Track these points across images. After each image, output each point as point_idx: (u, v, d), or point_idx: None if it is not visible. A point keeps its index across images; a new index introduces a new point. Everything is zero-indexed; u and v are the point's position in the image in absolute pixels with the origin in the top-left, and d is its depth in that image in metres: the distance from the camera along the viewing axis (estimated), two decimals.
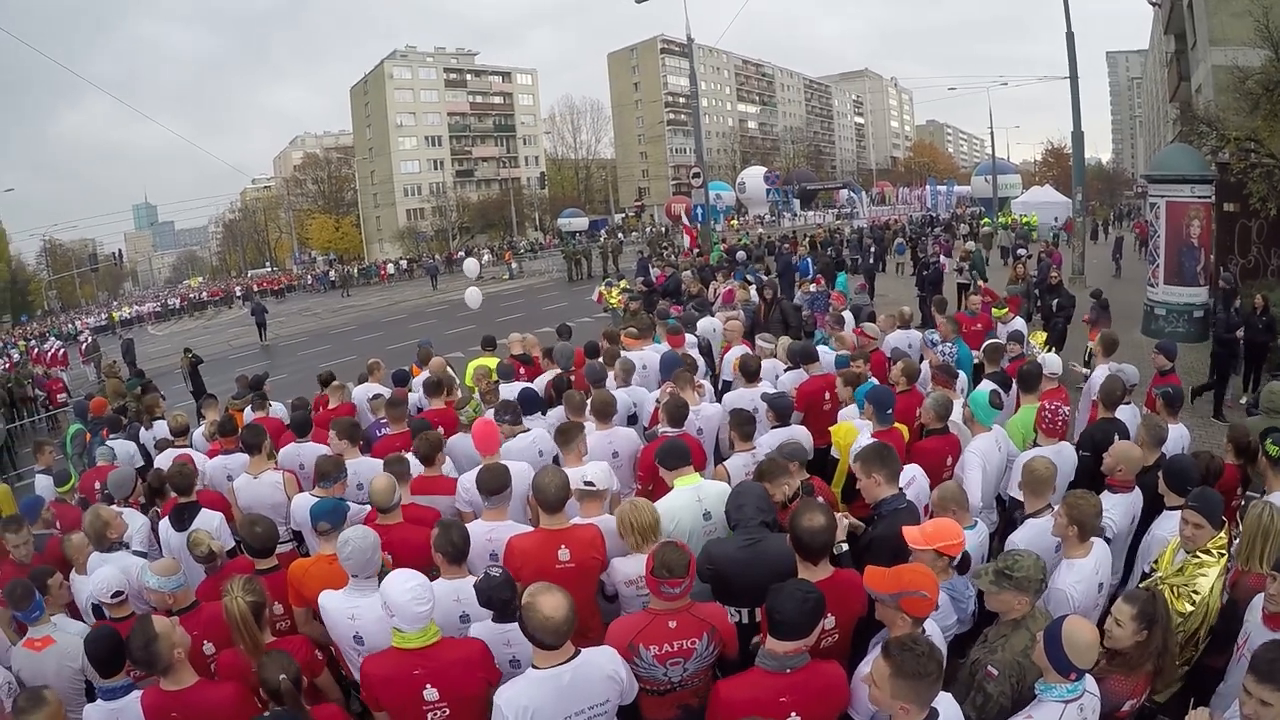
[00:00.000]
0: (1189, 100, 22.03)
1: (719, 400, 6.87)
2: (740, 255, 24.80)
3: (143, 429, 8.68)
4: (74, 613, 4.58)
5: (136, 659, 3.13)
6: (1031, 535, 3.99)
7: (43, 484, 6.91)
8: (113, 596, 3.92)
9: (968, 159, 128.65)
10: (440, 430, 5.86)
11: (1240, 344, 10.29)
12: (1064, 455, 4.90)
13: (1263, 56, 14.54)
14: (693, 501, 4.25)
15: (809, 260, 19.73)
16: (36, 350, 32.66)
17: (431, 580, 3.26)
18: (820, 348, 7.66)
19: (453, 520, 3.94)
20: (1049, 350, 8.55)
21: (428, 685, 3.10)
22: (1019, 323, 9.33)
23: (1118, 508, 4.22)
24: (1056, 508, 3.84)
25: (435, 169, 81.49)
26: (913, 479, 4.61)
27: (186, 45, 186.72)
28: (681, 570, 3.18)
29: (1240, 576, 3.64)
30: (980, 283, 15.55)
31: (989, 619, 3.47)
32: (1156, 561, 3.88)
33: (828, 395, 6.45)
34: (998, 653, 3.17)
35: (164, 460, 6.82)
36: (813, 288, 13.42)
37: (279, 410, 8.10)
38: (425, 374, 8.05)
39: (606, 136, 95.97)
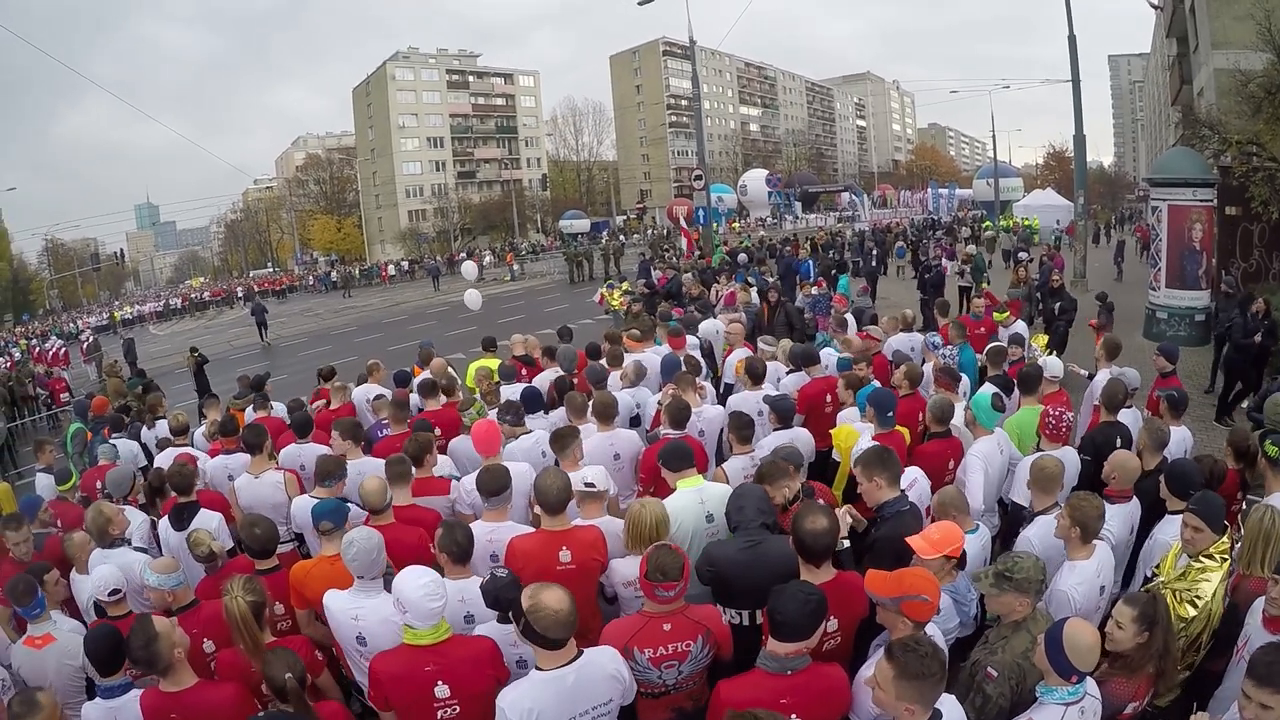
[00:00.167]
0: (1191, 104, 22.02)
1: (721, 402, 6.87)
2: (741, 258, 24.80)
3: (145, 428, 8.69)
4: (73, 611, 4.59)
5: (136, 658, 3.12)
6: (1043, 532, 3.99)
7: (43, 482, 6.91)
8: (110, 595, 3.92)
9: (969, 162, 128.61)
10: (435, 431, 5.87)
11: (1255, 349, 10.23)
12: (1068, 460, 4.90)
13: (1265, 60, 14.52)
14: (695, 503, 4.25)
15: (810, 262, 19.73)
16: (38, 349, 32.68)
17: None
18: (825, 350, 7.67)
19: (456, 520, 3.95)
20: (1050, 353, 8.55)
21: (439, 682, 3.11)
22: (1020, 326, 9.33)
23: (1116, 518, 4.21)
24: (1060, 509, 3.84)
25: (437, 170, 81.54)
26: (914, 481, 4.61)
27: (188, 45, 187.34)
28: (676, 573, 3.18)
29: (1242, 580, 3.63)
30: (982, 286, 15.54)
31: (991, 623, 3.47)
32: (1159, 566, 3.87)
33: (829, 398, 6.45)
34: (998, 654, 3.17)
35: (164, 459, 6.83)
36: (814, 290, 13.41)
37: (281, 410, 8.10)
38: (425, 374, 8.07)
39: (608, 138, 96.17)
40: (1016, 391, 6.10)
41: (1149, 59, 63.94)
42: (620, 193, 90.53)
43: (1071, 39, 20.54)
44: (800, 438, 5.59)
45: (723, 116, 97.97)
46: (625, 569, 3.84)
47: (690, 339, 8.72)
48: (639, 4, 26.28)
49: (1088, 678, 2.82)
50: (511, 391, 6.94)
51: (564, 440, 4.84)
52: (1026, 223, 35.83)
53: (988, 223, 38.19)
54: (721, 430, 5.91)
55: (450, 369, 8.43)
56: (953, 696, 2.78)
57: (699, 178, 29.88)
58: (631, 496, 5.10)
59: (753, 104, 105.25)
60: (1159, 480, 4.32)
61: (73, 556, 4.71)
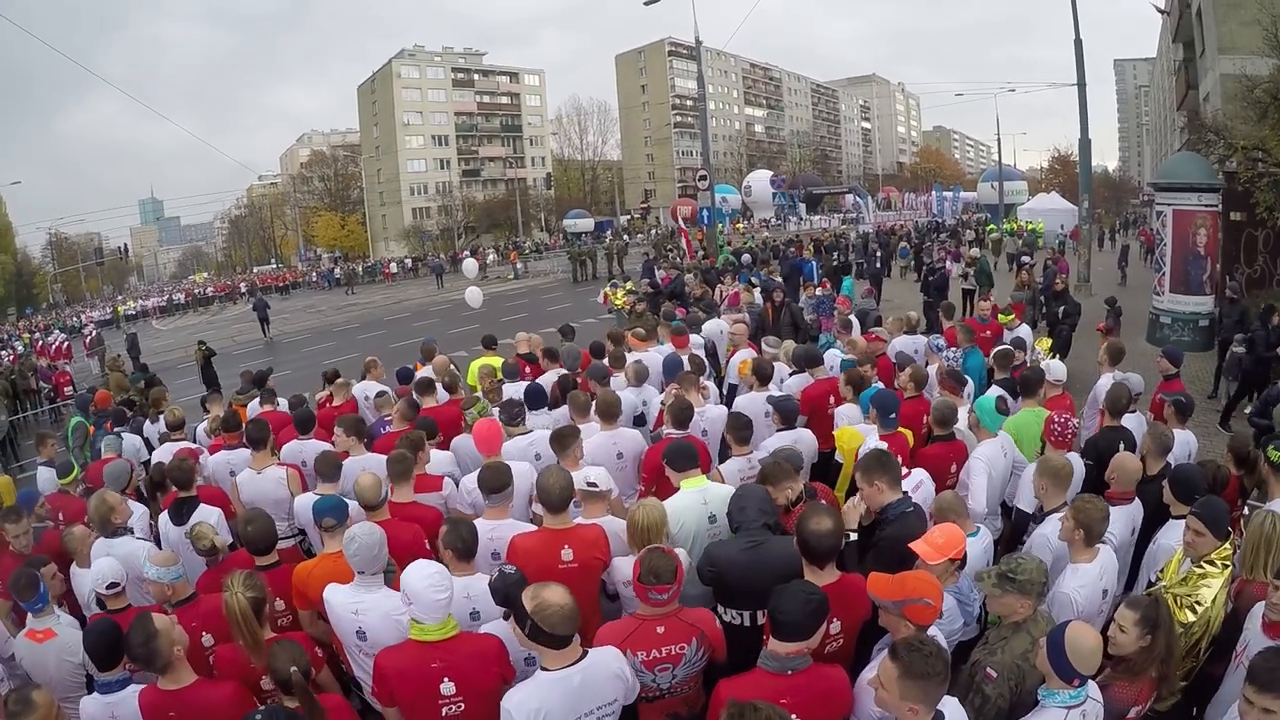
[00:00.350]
0: (1197, 108, 22.02)
1: (726, 403, 6.87)
2: (745, 258, 24.80)
3: (148, 422, 8.70)
4: (72, 606, 4.60)
5: (136, 655, 3.11)
6: (1056, 530, 3.97)
7: (45, 476, 6.92)
8: (109, 588, 3.92)
9: (974, 165, 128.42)
10: (422, 433, 5.87)
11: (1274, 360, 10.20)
12: (1074, 466, 4.89)
13: (1271, 65, 14.53)
14: (699, 504, 4.25)
15: (813, 263, 19.73)
16: (40, 343, 32.73)
17: None
18: (830, 351, 7.66)
19: (461, 517, 3.94)
20: (1053, 357, 8.54)
21: (445, 678, 3.10)
22: (1024, 329, 9.32)
23: (1117, 519, 4.19)
24: (1064, 511, 3.83)
25: (441, 168, 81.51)
26: (920, 483, 4.61)
27: (194, 42, 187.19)
28: (669, 576, 3.18)
29: (1244, 586, 3.63)
30: (988, 290, 15.52)
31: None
32: (1163, 571, 3.86)
33: (833, 399, 6.44)
34: (997, 655, 3.17)
35: (163, 454, 6.85)
36: (818, 291, 13.41)
37: (286, 405, 8.11)
38: (425, 371, 8.07)
39: (613, 138, 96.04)
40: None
41: (1155, 63, 63.94)
42: (624, 192, 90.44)
43: (1078, 42, 20.48)
44: (803, 439, 5.58)
45: (728, 117, 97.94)
46: (627, 568, 3.83)
47: (694, 338, 8.72)
48: (645, 4, 26.26)
49: (1089, 681, 2.82)
50: (514, 390, 6.94)
51: (565, 439, 4.83)
52: (1031, 226, 35.76)
53: (991, 226, 38.10)
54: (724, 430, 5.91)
55: (453, 366, 8.42)
56: (955, 699, 2.77)
57: (703, 178, 29.81)
58: (634, 496, 5.10)
59: (758, 105, 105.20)
60: (1163, 485, 4.31)
61: (73, 550, 4.72)
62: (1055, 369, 6.64)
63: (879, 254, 26.27)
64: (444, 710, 3.13)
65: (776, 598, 2.89)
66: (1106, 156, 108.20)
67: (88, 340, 29.41)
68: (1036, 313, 13.84)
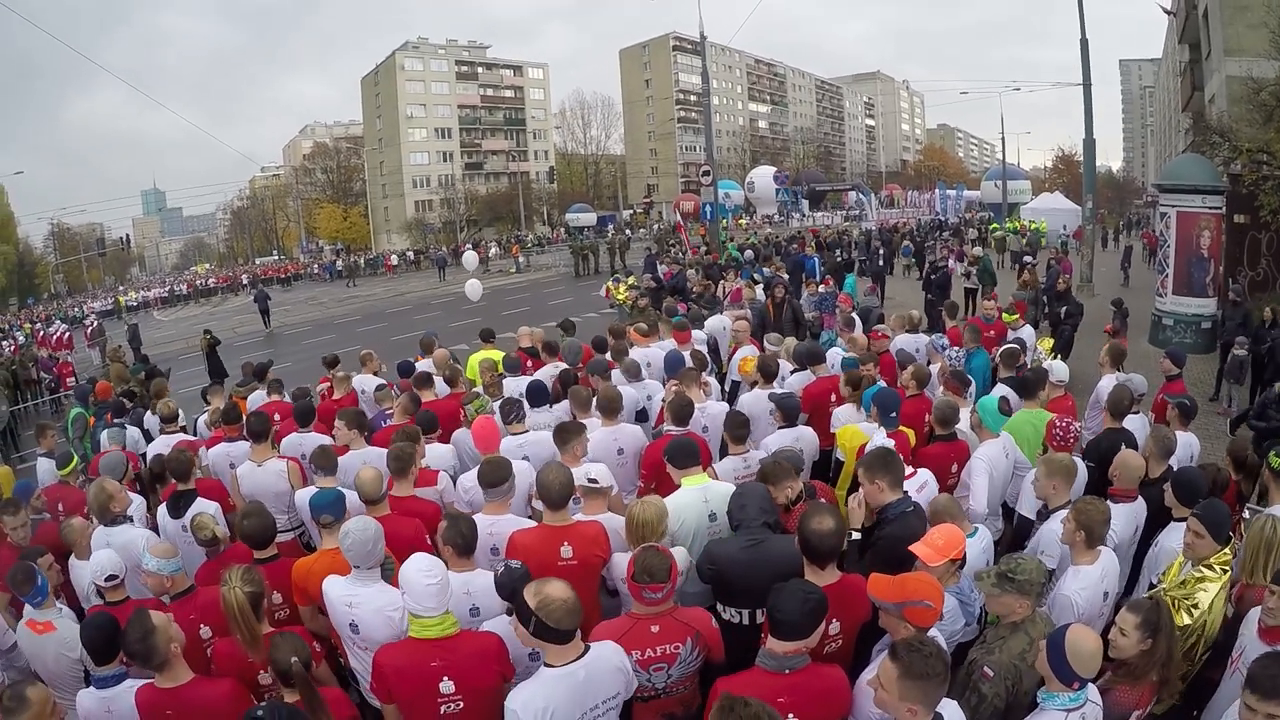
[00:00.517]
0: (1202, 110, 21.97)
1: (729, 399, 6.86)
2: (748, 254, 24.76)
3: (148, 414, 8.69)
4: (69, 597, 4.60)
5: (134, 651, 3.09)
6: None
7: (44, 467, 6.92)
8: (107, 580, 3.92)
9: (978, 164, 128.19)
10: (418, 428, 5.87)
11: None
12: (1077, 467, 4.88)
13: (1277, 68, 14.50)
14: (699, 502, 4.24)
15: (815, 260, 19.70)
16: (42, 333, 32.74)
17: None
18: (832, 349, 7.65)
19: (460, 512, 3.94)
20: (1055, 357, 8.53)
21: (444, 677, 3.09)
22: (1027, 330, 9.31)
23: (1120, 518, 4.19)
24: (1063, 517, 3.82)
25: (444, 161, 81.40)
26: (924, 484, 4.60)
27: (198, 32, 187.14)
28: (663, 575, 3.17)
29: (1245, 590, 3.62)
30: (991, 289, 15.52)
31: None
32: (1165, 574, 3.86)
33: (834, 397, 6.43)
34: (995, 654, 3.17)
35: (159, 446, 6.86)
36: (821, 289, 13.38)
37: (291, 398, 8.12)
38: (424, 364, 8.06)
39: (616, 132, 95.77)
40: None
41: (1160, 64, 63.66)
42: (627, 187, 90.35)
43: (1084, 42, 20.42)
44: (804, 436, 5.58)
45: (731, 113, 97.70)
46: (626, 566, 3.83)
47: (696, 334, 8.71)
48: None
49: (1089, 684, 2.81)
50: (516, 384, 6.93)
51: (567, 436, 4.82)
52: (1034, 226, 35.71)
53: (994, 225, 38.06)
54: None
55: (453, 360, 8.42)
56: (954, 701, 2.76)
57: (707, 173, 29.86)
58: (634, 493, 5.10)
59: (762, 101, 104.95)
60: (1165, 488, 4.30)
61: (72, 542, 4.72)
62: (1057, 369, 6.64)
63: (882, 252, 26.19)
64: (442, 708, 3.12)
65: (775, 596, 2.88)
66: (1110, 157, 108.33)
67: (89, 331, 29.42)
68: (1039, 312, 13.81)
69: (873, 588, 3.03)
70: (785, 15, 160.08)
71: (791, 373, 7.11)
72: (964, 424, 5.43)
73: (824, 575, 3.29)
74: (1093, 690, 2.84)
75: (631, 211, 78.02)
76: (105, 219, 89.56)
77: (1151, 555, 4.23)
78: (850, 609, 3.32)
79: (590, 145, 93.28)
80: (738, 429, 5.08)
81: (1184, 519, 3.88)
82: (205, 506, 4.99)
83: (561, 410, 6.26)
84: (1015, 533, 4.91)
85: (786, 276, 14.96)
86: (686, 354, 7.38)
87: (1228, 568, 3.64)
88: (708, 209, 32.62)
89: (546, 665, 2.90)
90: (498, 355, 8.23)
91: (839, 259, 22.54)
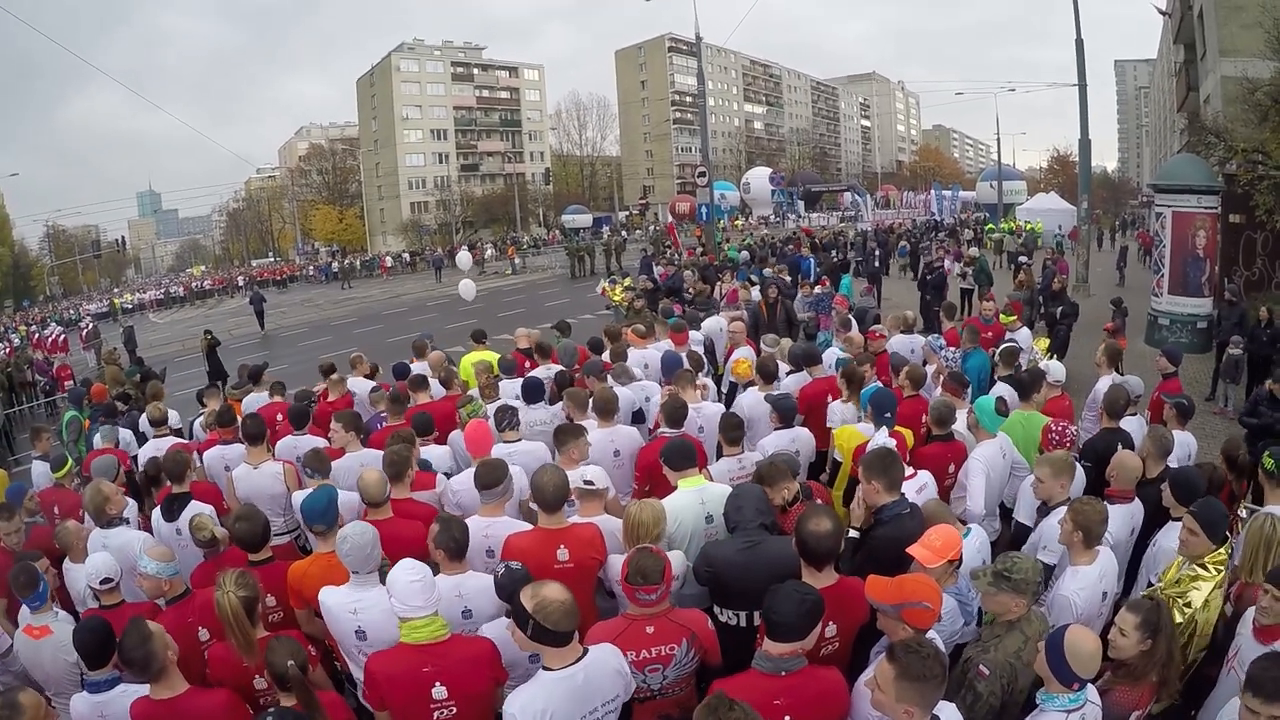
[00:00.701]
0: (1197, 110, 22.01)
1: (727, 401, 6.85)
2: (743, 255, 24.78)
3: (143, 416, 8.66)
4: (64, 601, 4.58)
5: (132, 656, 3.04)
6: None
7: (39, 470, 6.89)
8: (102, 583, 3.89)
9: (973, 164, 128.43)
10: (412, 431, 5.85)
11: None
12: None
13: (1272, 68, 14.53)
14: (696, 503, 4.23)
15: (811, 260, 19.72)
16: (37, 336, 32.66)
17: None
18: (829, 350, 7.64)
19: (453, 516, 3.92)
20: (1051, 357, 8.54)
21: (437, 683, 3.08)
22: (1023, 331, 9.31)
23: (1116, 518, 4.18)
24: (1063, 513, 3.81)
25: (440, 162, 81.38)
26: (923, 486, 4.60)
27: (194, 34, 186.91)
28: (656, 577, 3.16)
29: (1244, 589, 3.62)
30: (988, 289, 15.52)
31: None
32: (1164, 574, 3.85)
33: (830, 398, 6.42)
34: (990, 652, 3.17)
35: (150, 450, 6.84)
36: (817, 289, 13.37)
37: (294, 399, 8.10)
38: (419, 366, 8.05)
39: (612, 134, 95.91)
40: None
41: (1155, 65, 63.98)
42: (623, 188, 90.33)
43: (1079, 43, 20.46)
44: (801, 438, 5.58)
45: (727, 114, 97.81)
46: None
47: (693, 334, 8.71)
48: None
49: (1089, 685, 2.80)
50: (512, 385, 6.92)
51: (566, 438, 4.81)
52: (1029, 226, 35.77)
53: (990, 225, 38.11)
54: None
55: (449, 362, 8.40)
56: (952, 705, 2.75)
57: (702, 174, 29.78)
58: (630, 495, 5.08)
59: (757, 102, 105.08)
60: (1163, 487, 4.29)
61: (68, 545, 4.70)
62: (1054, 369, 6.65)
63: (878, 253, 26.24)
64: (435, 714, 3.10)
65: (771, 598, 2.87)
66: (1106, 157, 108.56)
67: (84, 333, 29.40)
68: (1034, 313, 13.84)
69: (870, 589, 3.02)
70: (781, 16, 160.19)
71: (788, 374, 7.10)
72: (961, 424, 5.42)
73: (821, 577, 3.28)
74: (1092, 691, 2.83)
75: (627, 213, 77.99)
76: (101, 221, 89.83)
77: (1150, 555, 4.23)
78: (848, 611, 3.30)
79: (586, 146, 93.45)
80: (732, 430, 5.08)
81: (1181, 519, 3.87)
82: (200, 509, 4.96)
83: (558, 409, 6.25)
84: (1013, 539, 4.90)
85: (788, 278, 14.96)
86: (684, 355, 7.37)
87: (1222, 567, 3.63)
88: (704, 210, 32.61)
89: (545, 668, 2.88)
90: (490, 356, 8.21)
91: (834, 260, 22.54)
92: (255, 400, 8.12)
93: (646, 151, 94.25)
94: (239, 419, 6.55)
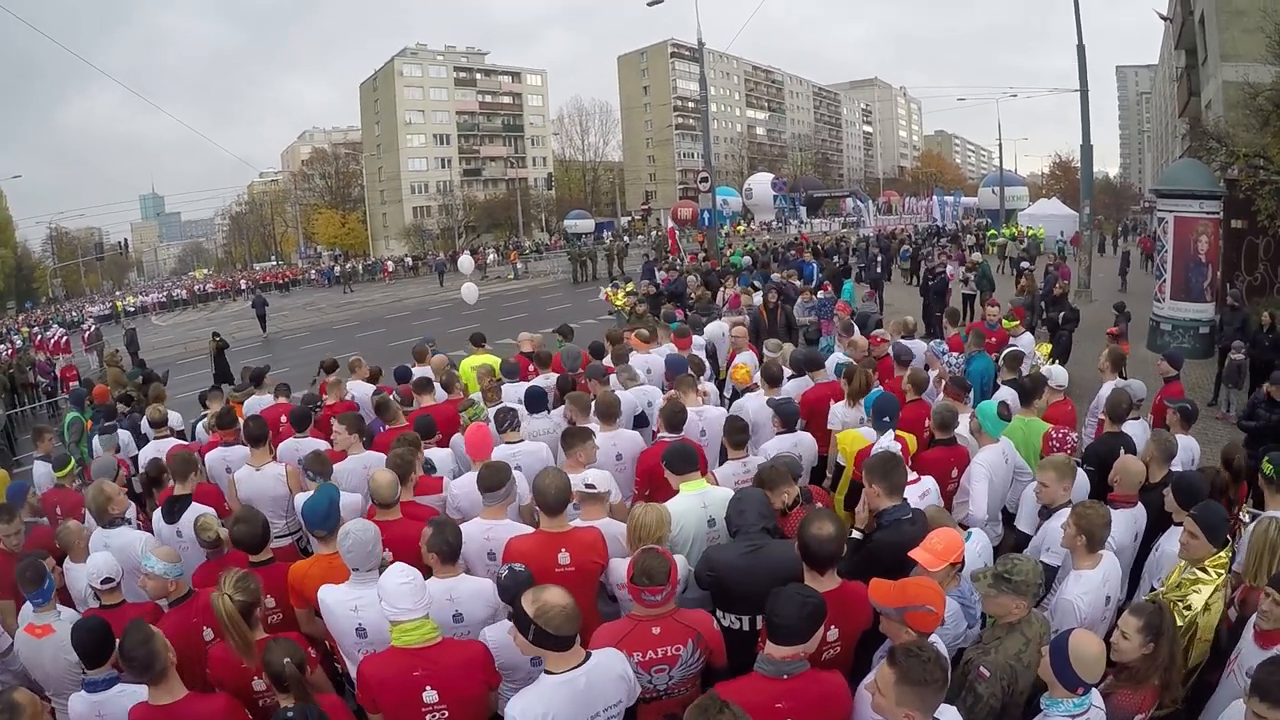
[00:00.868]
0: (1199, 116, 22.02)
1: (725, 404, 6.85)
2: (745, 261, 24.79)
3: (144, 418, 8.67)
4: (64, 601, 4.57)
5: (134, 655, 3.01)
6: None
7: (41, 471, 6.90)
8: (103, 583, 3.89)
9: (975, 170, 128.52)
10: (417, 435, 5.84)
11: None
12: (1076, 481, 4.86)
13: (1274, 73, 14.54)
14: (698, 507, 4.22)
15: (814, 265, 19.72)
16: (39, 337, 32.69)
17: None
18: (834, 356, 7.64)
19: (446, 519, 3.92)
20: (1053, 362, 8.54)
21: (428, 687, 3.07)
22: (1026, 337, 9.32)
23: (1119, 523, 4.17)
24: (1066, 517, 3.81)
25: (443, 167, 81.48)
26: (926, 492, 4.59)
27: (198, 37, 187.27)
28: (662, 577, 3.15)
29: (1248, 593, 3.61)
30: (990, 294, 15.53)
31: None
32: (1167, 578, 3.84)
33: (833, 402, 6.42)
34: (991, 654, 3.16)
35: (150, 451, 6.85)
36: (819, 294, 13.36)
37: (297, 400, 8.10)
38: (422, 370, 8.05)
39: (614, 139, 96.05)
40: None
41: (1157, 71, 63.99)
42: (625, 194, 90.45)
43: (1080, 49, 20.49)
44: (803, 442, 5.57)
45: (729, 119, 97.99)
46: (624, 571, 3.81)
47: (695, 339, 8.72)
48: (648, 4, 26.33)
49: (1093, 690, 2.79)
50: (515, 389, 6.92)
51: (573, 441, 4.81)
52: (1031, 232, 35.78)
53: (993, 231, 38.14)
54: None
55: (450, 366, 8.40)
56: (953, 709, 2.74)
57: (705, 180, 29.84)
58: (631, 499, 5.08)
59: (759, 107, 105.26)
60: (1165, 492, 4.29)
61: (70, 545, 4.70)
62: (1056, 374, 6.64)
63: (879, 258, 26.23)
64: (427, 718, 3.10)
65: (773, 601, 2.87)
66: (1107, 163, 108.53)
67: (86, 335, 29.41)
68: (1035, 318, 13.85)
69: (874, 593, 3.01)
70: (783, 22, 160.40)
71: (789, 378, 7.11)
72: (964, 429, 5.42)
73: (823, 581, 3.27)
74: (1096, 696, 2.82)
75: (630, 218, 78.07)
76: (103, 223, 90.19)
77: (1152, 560, 4.22)
78: (850, 615, 3.30)
79: (588, 152, 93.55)
80: (737, 434, 5.08)
81: (1183, 523, 3.87)
82: (201, 511, 4.96)
83: (560, 416, 6.24)
84: (1015, 545, 4.89)
85: (797, 283, 14.96)
86: (687, 359, 7.37)
87: (1223, 570, 3.63)
88: (706, 215, 32.64)
89: (547, 672, 2.87)
90: (490, 360, 8.23)
91: (837, 265, 22.55)
92: (257, 403, 8.12)
93: (649, 157, 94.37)
94: (240, 421, 6.56)
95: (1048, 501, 4.38)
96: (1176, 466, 4.94)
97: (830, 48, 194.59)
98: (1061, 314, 12.50)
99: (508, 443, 5.52)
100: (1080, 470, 4.96)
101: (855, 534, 3.95)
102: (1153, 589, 3.95)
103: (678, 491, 4.35)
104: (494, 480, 4.18)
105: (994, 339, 8.90)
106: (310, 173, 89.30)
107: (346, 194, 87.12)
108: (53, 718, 3.76)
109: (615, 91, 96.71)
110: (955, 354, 8.07)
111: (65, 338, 30.49)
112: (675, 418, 5.28)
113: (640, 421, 6.48)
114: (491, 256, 52.63)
